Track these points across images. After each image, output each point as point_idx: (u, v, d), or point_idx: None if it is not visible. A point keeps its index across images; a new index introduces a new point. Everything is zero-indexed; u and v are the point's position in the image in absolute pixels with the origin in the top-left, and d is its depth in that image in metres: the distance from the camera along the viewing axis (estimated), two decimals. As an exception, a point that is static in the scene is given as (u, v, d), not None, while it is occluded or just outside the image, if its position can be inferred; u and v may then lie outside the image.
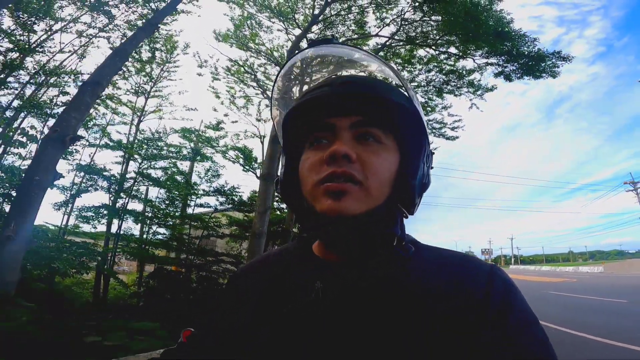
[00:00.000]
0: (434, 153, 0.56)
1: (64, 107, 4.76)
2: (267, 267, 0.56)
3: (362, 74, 0.54)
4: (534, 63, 8.18)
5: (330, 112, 0.48)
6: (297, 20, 10.47)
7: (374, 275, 0.45)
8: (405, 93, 0.49)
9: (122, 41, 5.15)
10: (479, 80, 9.36)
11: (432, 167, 0.55)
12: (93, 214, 6.42)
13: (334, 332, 0.43)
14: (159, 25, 5.51)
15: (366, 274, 0.45)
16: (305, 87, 0.57)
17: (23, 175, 4.25)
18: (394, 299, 0.43)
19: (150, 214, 7.44)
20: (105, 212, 6.48)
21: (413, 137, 0.49)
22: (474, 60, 8.77)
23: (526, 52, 8.04)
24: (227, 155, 9.10)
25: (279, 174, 0.56)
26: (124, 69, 8.99)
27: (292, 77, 0.61)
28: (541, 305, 9.46)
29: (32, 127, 6.40)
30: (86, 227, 7.08)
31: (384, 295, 0.44)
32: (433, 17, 8.73)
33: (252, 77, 11.18)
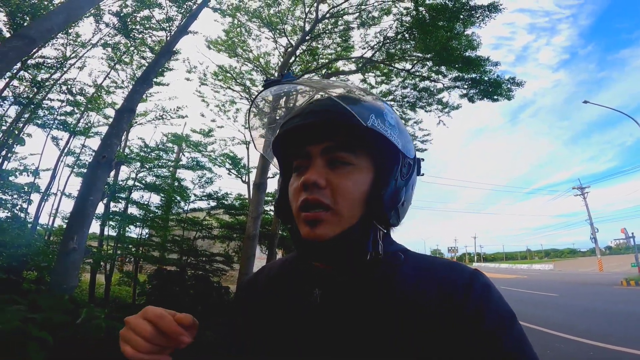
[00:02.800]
0: (423, 160, 0.61)
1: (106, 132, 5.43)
2: (271, 278, 0.65)
3: (328, 100, 0.55)
4: (492, 89, 9.67)
5: (307, 140, 0.55)
6: (285, 31, 11.31)
7: (361, 281, 0.52)
8: (367, 111, 0.51)
9: (146, 67, 5.81)
10: (447, 100, 10.80)
11: (421, 174, 0.62)
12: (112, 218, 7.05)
13: (331, 333, 0.49)
14: (175, 51, 6.23)
15: (353, 279, 0.53)
16: (278, 118, 0.66)
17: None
18: (382, 303, 0.49)
19: (147, 217, 8.09)
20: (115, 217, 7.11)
21: (382, 154, 0.54)
22: (443, 85, 10.09)
23: (486, 79, 9.53)
24: (216, 161, 9.84)
25: (275, 198, 0.65)
26: (116, 72, 9.50)
27: (261, 112, 0.67)
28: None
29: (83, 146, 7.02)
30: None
31: (374, 300, 0.50)
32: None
33: (238, 82, 11.91)
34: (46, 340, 2.88)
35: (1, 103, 6.06)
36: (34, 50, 6.31)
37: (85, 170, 7.36)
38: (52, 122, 6.85)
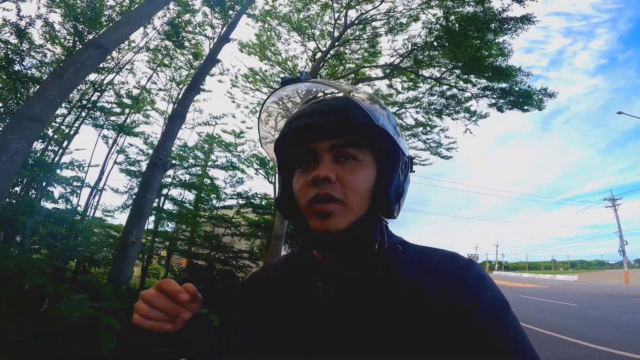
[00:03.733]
0: (413, 158, 0.66)
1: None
2: (276, 271, 0.69)
3: (338, 97, 0.61)
4: (522, 99, 9.76)
5: (312, 138, 0.58)
6: (314, 35, 11.69)
7: (364, 272, 0.55)
8: (375, 112, 0.55)
9: (193, 76, 6.33)
10: (474, 108, 10.92)
11: (413, 171, 0.65)
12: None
13: (332, 324, 0.52)
14: (219, 60, 6.74)
15: (357, 272, 0.56)
16: (285, 118, 0.69)
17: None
18: (382, 295, 0.52)
19: (181, 213, 8.70)
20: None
21: (386, 151, 0.58)
22: (471, 94, 10.24)
23: (517, 90, 9.62)
24: (245, 161, 10.37)
25: (277, 193, 0.68)
26: (156, 74, 10.15)
27: (273, 111, 0.72)
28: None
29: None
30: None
31: (374, 291, 0.53)
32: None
33: (266, 84, 12.42)
34: (113, 326, 3.31)
35: (67, 105, 6.71)
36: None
37: (131, 167, 8.02)
38: (103, 121, 7.50)
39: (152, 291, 0.54)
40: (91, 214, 8.81)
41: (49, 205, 6.89)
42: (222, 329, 0.69)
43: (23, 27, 6.04)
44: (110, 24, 7.81)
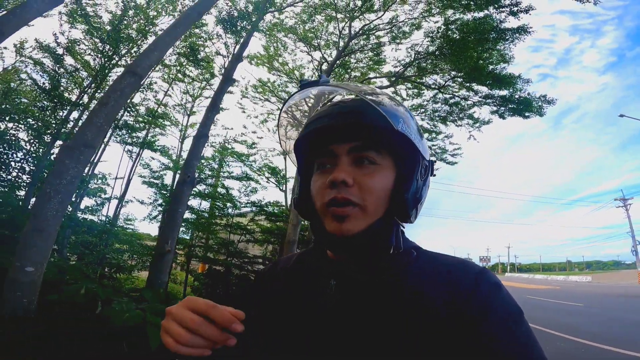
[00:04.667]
0: (434, 162, 0.66)
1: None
2: (287, 270, 0.70)
3: (356, 99, 0.60)
4: (523, 107, 10.26)
5: (331, 140, 0.59)
6: (319, 45, 12.32)
7: (377, 275, 0.56)
8: (396, 116, 0.55)
9: (212, 96, 6.99)
10: (477, 115, 11.46)
11: (434, 175, 0.66)
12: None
13: (344, 323, 0.53)
14: (235, 79, 7.39)
15: (370, 273, 0.57)
16: (304, 119, 0.69)
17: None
18: (394, 298, 0.53)
19: (198, 221, 9.38)
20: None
21: (405, 155, 0.59)
22: (473, 102, 10.77)
23: (516, 97, 10.13)
24: (257, 171, 11.03)
25: (295, 193, 0.70)
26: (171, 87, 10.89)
27: (292, 112, 0.72)
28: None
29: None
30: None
31: (383, 295, 0.54)
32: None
33: (275, 94, 13.10)
34: (159, 324, 3.92)
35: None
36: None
37: (155, 180, 8.73)
38: (127, 138, 8.24)
39: (194, 317, 0.47)
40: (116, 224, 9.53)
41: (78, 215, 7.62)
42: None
43: (60, 54, 6.78)
44: (131, 44, 8.57)
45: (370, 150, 0.58)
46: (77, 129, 6.17)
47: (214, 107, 6.46)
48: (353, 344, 0.51)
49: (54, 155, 6.97)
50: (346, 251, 0.58)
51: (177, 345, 0.46)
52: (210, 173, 9.79)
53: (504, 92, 10.33)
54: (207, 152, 11.53)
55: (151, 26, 8.84)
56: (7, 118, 6.89)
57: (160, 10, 9.21)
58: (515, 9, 8.05)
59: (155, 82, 9.58)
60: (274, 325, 0.60)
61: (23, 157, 6.76)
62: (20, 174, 6.60)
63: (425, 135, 12.45)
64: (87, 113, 8.01)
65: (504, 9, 8.15)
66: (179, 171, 9.70)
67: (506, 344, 0.46)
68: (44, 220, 3.71)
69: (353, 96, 0.64)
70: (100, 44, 7.52)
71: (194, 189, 9.50)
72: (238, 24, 7.67)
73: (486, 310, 0.49)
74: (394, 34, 11.33)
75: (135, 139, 8.41)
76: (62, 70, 6.97)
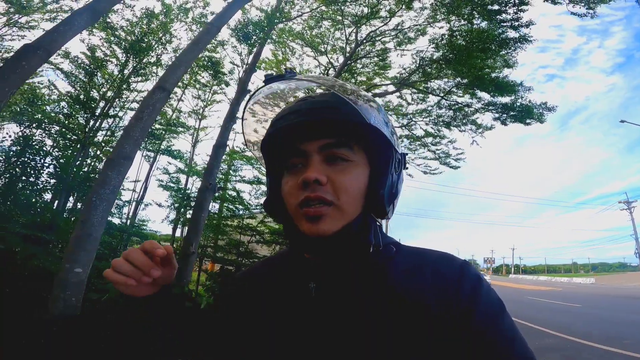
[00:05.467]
0: (407, 154, 0.65)
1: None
2: (267, 271, 0.68)
3: (325, 94, 0.60)
4: (524, 114, 10.76)
5: (300, 138, 0.57)
6: (326, 50, 12.80)
7: (356, 273, 0.56)
8: (364, 110, 0.54)
9: (229, 107, 7.54)
10: (480, 121, 11.95)
11: (406, 168, 0.65)
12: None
13: (324, 328, 0.52)
14: (250, 90, 7.94)
15: (350, 272, 0.56)
16: (272, 115, 0.67)
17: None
18: (375, 298, 0.52)
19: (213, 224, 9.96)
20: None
21: (379, 150, 0.58)
22: (475, 108, 11.27)
23: (518, 105, 10.63)
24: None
25: (265, 195, 0.67)
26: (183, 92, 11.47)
27: (258, 110, 0.69)
28: (513, 305, 12.49)
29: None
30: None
31: (368, 293, 0.53)
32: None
33: (283, 99, 13.55)
34: None
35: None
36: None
37: (171, 184, 9.32)
38: (146, 144, 8.84)
39: (133, 248, 0.55)
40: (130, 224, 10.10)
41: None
42: (202, 323, 0.69)
43: (94, 68, 7.36)
44: (151, 52, 9.14)
45: (343, 147, 0.57)
46: (113, 141, 6.74)
47: (232, 118, 7.01)
48: (341, 345, 0.50)
49: (81, 161, 7.56)
50: (323, 252, 0.57)
51: (109, 271, 0.53)
52: (222, 176, 10.35)
53: (506, 99, 10.83)
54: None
55: (168, 35, 9.42)
56: (34, 125, 7.48)
57: (175, 19, 9.78)
58: (517, 23, 8.51)
59: (175, 92, 10.12)
60: (257, 331, 0.58)
61: (49, 162, 7.33)
62: (48, 178, 7.17)
63: (429, 139, 13.10)
64: (108, 121, 8.62)
65: (505, 24, 8.59)
66: (191, 175, 10.32)
67: (493, 337, 0.48)
68: (92, 225, 4.26)
69: (321, 90, 0.66)
70: (122, 54, 8.09)
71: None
72: (253, 37, 8.18)
73: (472, 304, 0.50)
74: (399, 39, 11.74)
75: (154, 145, 9.00)
76: (93, 82, 7.56)
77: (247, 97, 0.65)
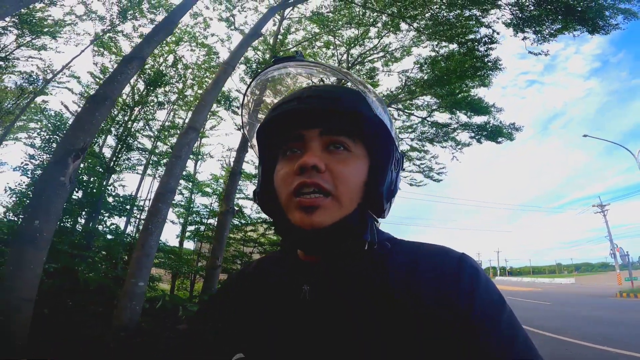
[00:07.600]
0: (405, 155, 0.65)
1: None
2: (259, 274, 0.67)
3: (328, 85, 0.61)
4: (495, 134, 12.59)
5: (300, 125, 0.56)
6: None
7: (352, 273, 0.54)
8: (370, 102, 0.55)
9: (241, 138, 8.94)
10: (459, 139, 13.71)
11: (403, 169, 0.64)
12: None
13: (321, 329, 0.51)
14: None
15: (345, 273, 0.54)
16: (274, 100, 0.67)
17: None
18: (373, 294, 0.51)
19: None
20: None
21: (380, 144, 0.57)
22: (452, 128, 13.04)
23: (490, 126, 12.45)
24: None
25: (256, 185, 0.64)
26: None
27: (261, 91, 0.69)
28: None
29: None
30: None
31: (364, 293, 0.52)
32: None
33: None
34: None
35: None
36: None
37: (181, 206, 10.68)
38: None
39: None
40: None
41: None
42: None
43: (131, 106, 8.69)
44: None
45: (344, 135, 0.56)
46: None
47: (244, 148, 8.42)
48: (339, 348, 0.48)
49: (105, 185, 8.87)
50: (317, 247, 0.55)
51: None
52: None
53: (482, 119, 12.60)
54: (217, 172, 13.48)
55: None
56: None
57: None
58: (487, 59, 10.26)
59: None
60: (244, 341, 0.57)
61: (79, 187, 8.57)
62: (81, 201, 8.42)
63: (415, 153, 14.74)
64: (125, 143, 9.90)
65: (477, 60, 10.30)
66: (195, 191, 11.66)
67: (494, 332, 0.47)
68: (149, 247, 5.59)
69: (325, 81, 0.69)
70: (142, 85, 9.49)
71: (207, 208, 11.47)
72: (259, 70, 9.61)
73: (471, 299, 0.49)
74: (386, 59, 13.28)
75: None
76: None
77: (253, 77, 0.65)
